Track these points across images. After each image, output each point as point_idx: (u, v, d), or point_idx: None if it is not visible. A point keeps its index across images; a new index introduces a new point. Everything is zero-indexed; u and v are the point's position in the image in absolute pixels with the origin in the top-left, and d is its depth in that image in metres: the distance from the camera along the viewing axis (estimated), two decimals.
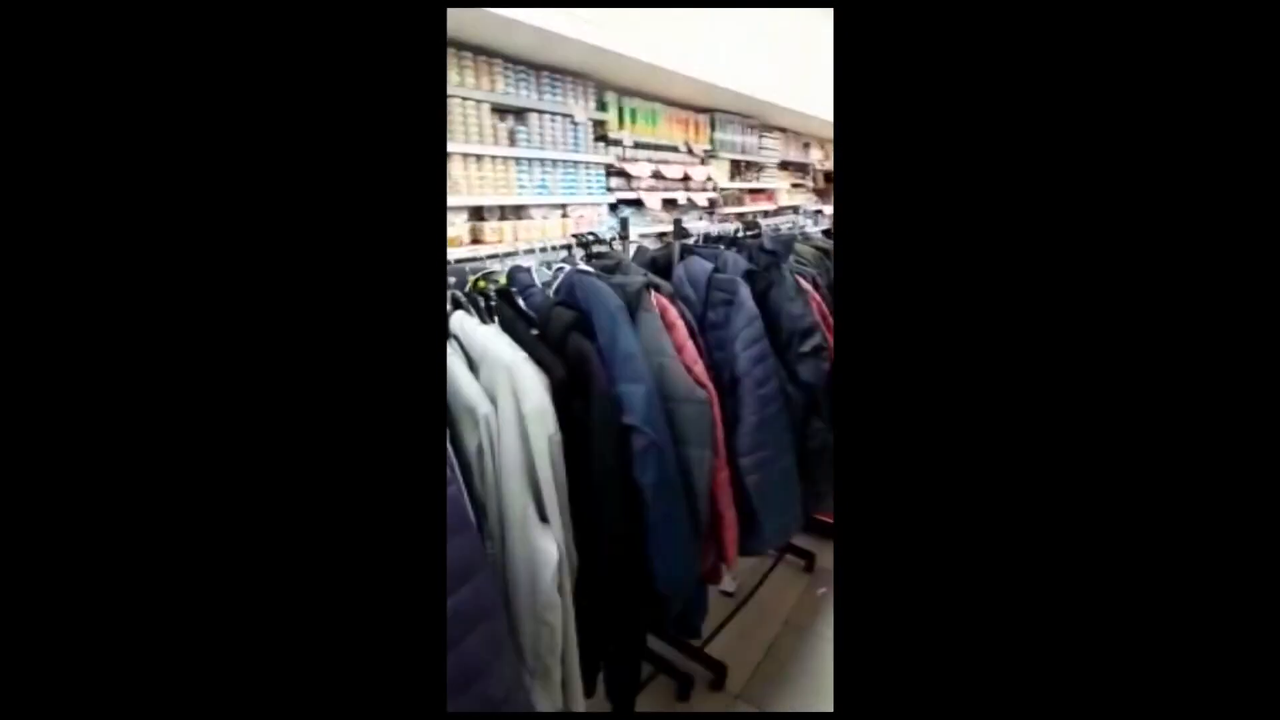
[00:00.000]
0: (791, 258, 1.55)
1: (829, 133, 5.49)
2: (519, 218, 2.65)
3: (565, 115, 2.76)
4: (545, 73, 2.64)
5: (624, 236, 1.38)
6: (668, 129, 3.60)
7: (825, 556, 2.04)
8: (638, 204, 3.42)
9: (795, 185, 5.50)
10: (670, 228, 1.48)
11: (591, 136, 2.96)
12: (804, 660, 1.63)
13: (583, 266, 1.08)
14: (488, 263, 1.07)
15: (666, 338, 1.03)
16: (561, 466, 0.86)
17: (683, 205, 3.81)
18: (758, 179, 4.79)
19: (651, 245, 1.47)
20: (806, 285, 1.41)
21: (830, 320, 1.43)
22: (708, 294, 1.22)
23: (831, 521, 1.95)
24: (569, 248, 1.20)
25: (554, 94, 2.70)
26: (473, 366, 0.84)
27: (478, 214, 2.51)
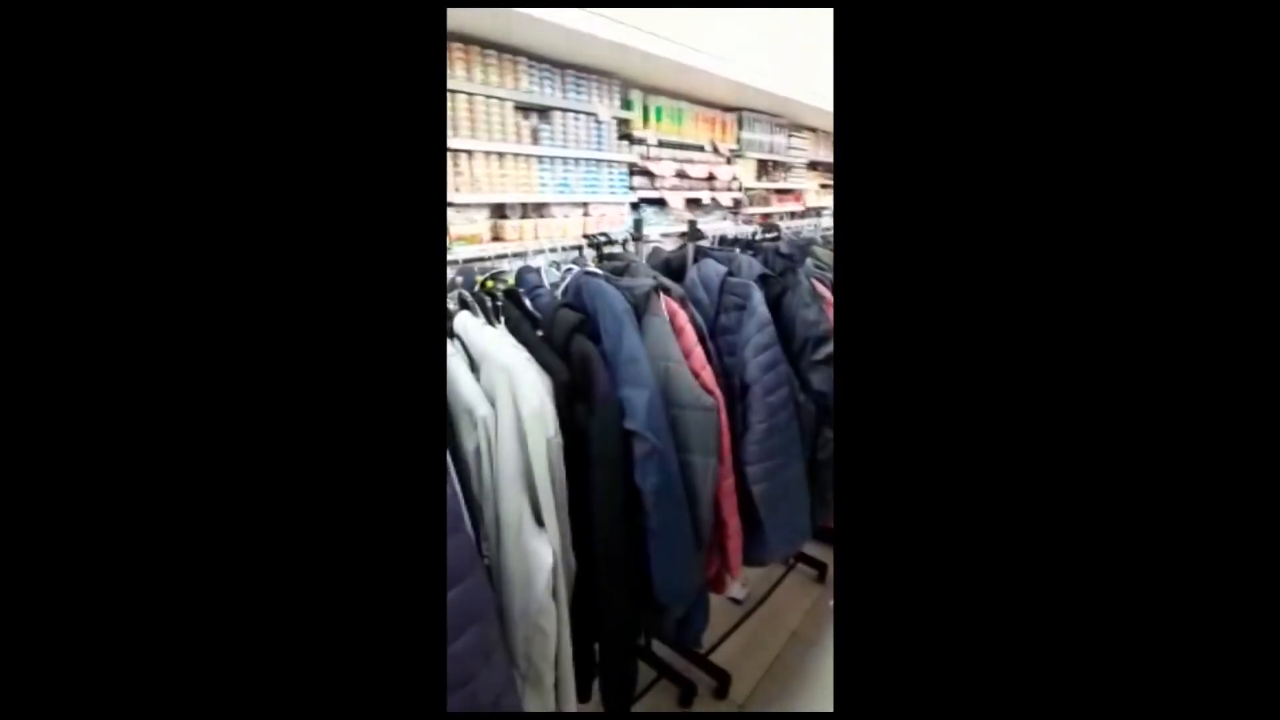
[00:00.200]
0: (810, 262, 1.52)
1: None
2: (540, 216, 2.66)
3: (589, 114, 2.76)
4: (570, 71, 2.64)
5: (637, 238, 1.37)
6: (693, 128, 3.57)
7: None
8: (661, 203, 3.40)
9: (824, 186, 5.40)
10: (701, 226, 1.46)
11: (615, 135, 2.95)
12: (810, 672, 1.60)
13: (591, 268, 1.07)
14: (496, 263, 1.07)
15: (674, 342, 1.01)
16: (561, 470, 0.86)
17: (707, 205, 3.78)
18: (785, 179, 4.71)
19: (673, 245, 1.45)
20: (824, 290, 1.38)
21: None
22: (720, 298, 1.20)
23: None
24: (580, 248, 1.19)
25: (578, 92, 2.70)
26: (474, 367, 0.84)
27: (499, 212, 2.53)
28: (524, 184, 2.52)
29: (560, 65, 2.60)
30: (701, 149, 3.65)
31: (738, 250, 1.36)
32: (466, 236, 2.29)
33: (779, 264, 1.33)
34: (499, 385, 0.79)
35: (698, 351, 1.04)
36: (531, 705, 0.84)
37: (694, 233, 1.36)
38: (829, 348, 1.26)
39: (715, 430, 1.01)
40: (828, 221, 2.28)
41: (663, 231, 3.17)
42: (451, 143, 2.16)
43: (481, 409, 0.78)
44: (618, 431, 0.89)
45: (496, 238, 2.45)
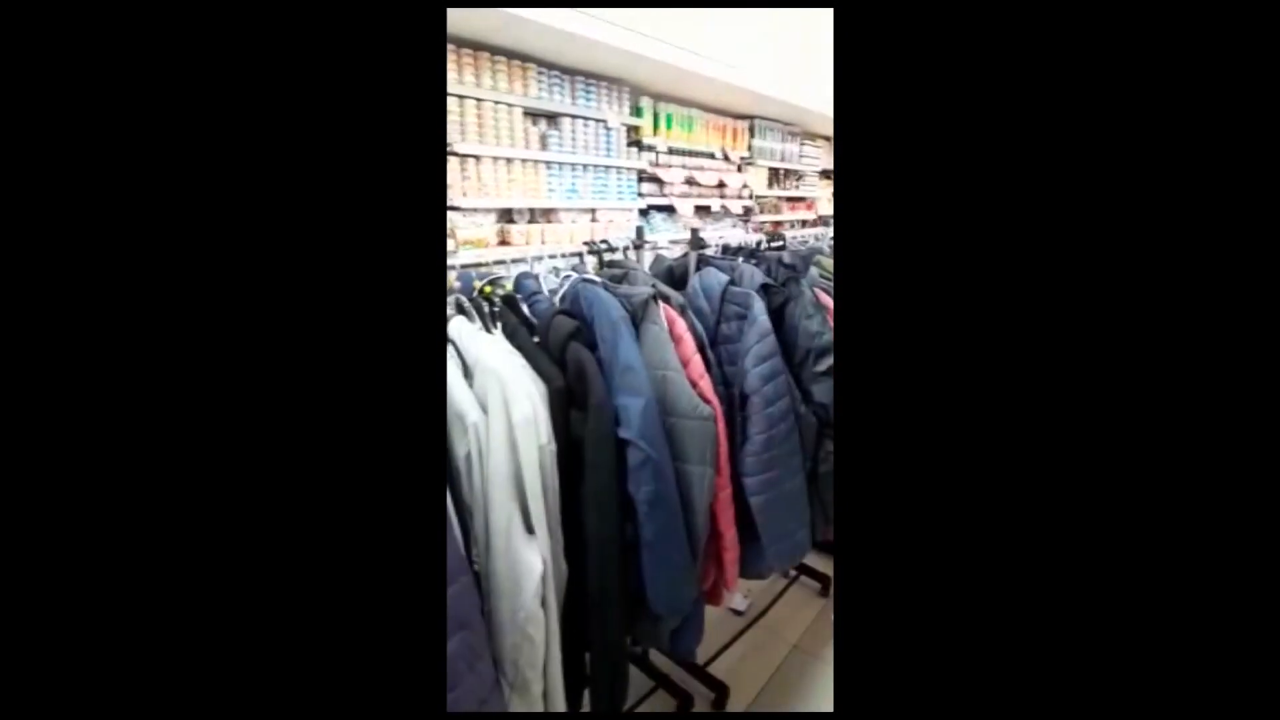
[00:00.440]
0: (816, 271, 1.51)
1: None
2: (548, 221, 2.67)
3: (598, 120, 2.77)
4: (579, 77, 2.66)
5: (639, 245, 1.37)
6: (704, 135, 3.57)
7: None
8: (670, 210, 3.41)
9: None
10: (704, 234, 1.46)
11: (624, 141, 2.96)
12: (810, 687, 1.57)
13: (589, 275, 1.07)
14: (496, 268, 1.07)
15: (672, 351, 1.01)
16: (554, 477, 0.85)
17: (716, 212, 3.78)
18: (797, 187, 4.70)
19: (678, 252, 1.45)
20: (828, 300, 1.36)
21: None
22: (721, 306, 1.19)
23: None
24: (580, 255, 1.19)
25: (587, 99, 2.71)
26: (467, 373, 0.83)
27: (507, 216, 2.54)
28: (532, 189, 2.53)
29: (570, 71, 2.62)
30: (712, 156, 3.65)
31: (740, 259, 1.36)
32: (473, 241, 2.30)
33: (782, 273, 1.32)
34: (491, 392, 0.79)
35: (696, 360, 1.04)
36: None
37: (697, 241, 1.36)
38: (831, 359, 1.25)
39: (712, 440, 1.00)
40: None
41: (671, 239, 3.17)
42: (460, 147, 2.18)
43: (473, 415, 0.78)
44: (611, 440, 0.89)
45: (503, 242, 2.47)
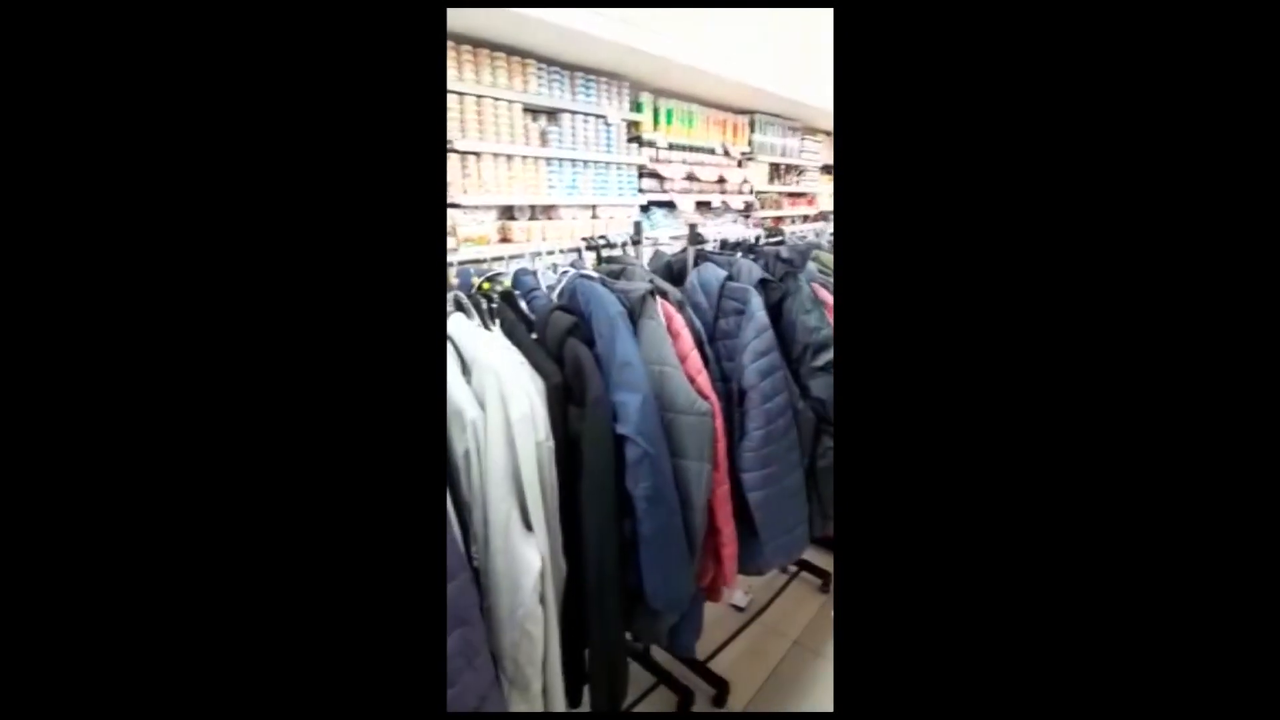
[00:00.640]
0: (814, 266, 1.50)
1: None
2: (549, 218, 2.66)
3: (598, 116, 2.76)
4: (579, 73, 2.65)
5: (637, 241, 1.36)
6: (704, 130, 3.55)
7: None
8: (670, 206, 3.40)
9: None
10: (703, 230, 1.45)
11: (625, 137, 2.95)
12: (810, 681, 1.57)
13: (587, 271, 1.06)
14: (495, 265, 1.07)
15: (669, 346, 1.01)
16: (552, 473, 0.85)
17: (717, 208, 3.77)
18: (798, 182, 4.68)
19: (678, 248, 1.45)
20: (826, 295, 1.36)
21: None
22: (719, 302, 1.19)
23: None
24: (578, 251, 1.19)
25: (587, 94, 2.71)
26: (466, 370, 0.83)
27: (508, 213, 2.54)
28: (532, 186, 2.53)
29: (570, 67, 2.61)
30: (712, 151, 3.64)
31: (739, 254, 1.35)
32: (474, 238, 2.30)
33: (780, 268, 1.32)
34: (489, 388, 0.79)
35: (694, 356, 1.03)
36: (517, 710, 0.83)
37: (695, 236, 1.36)
38: (829, 354, 1.25)
39: (710, 435, 0.99)
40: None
41: (671, 234, 3.16)
42: (460, 144, 2.18)
43: (471, 412, 0.78)
44: (609, 436, 0.89)
45: (504, 239, 2.46)
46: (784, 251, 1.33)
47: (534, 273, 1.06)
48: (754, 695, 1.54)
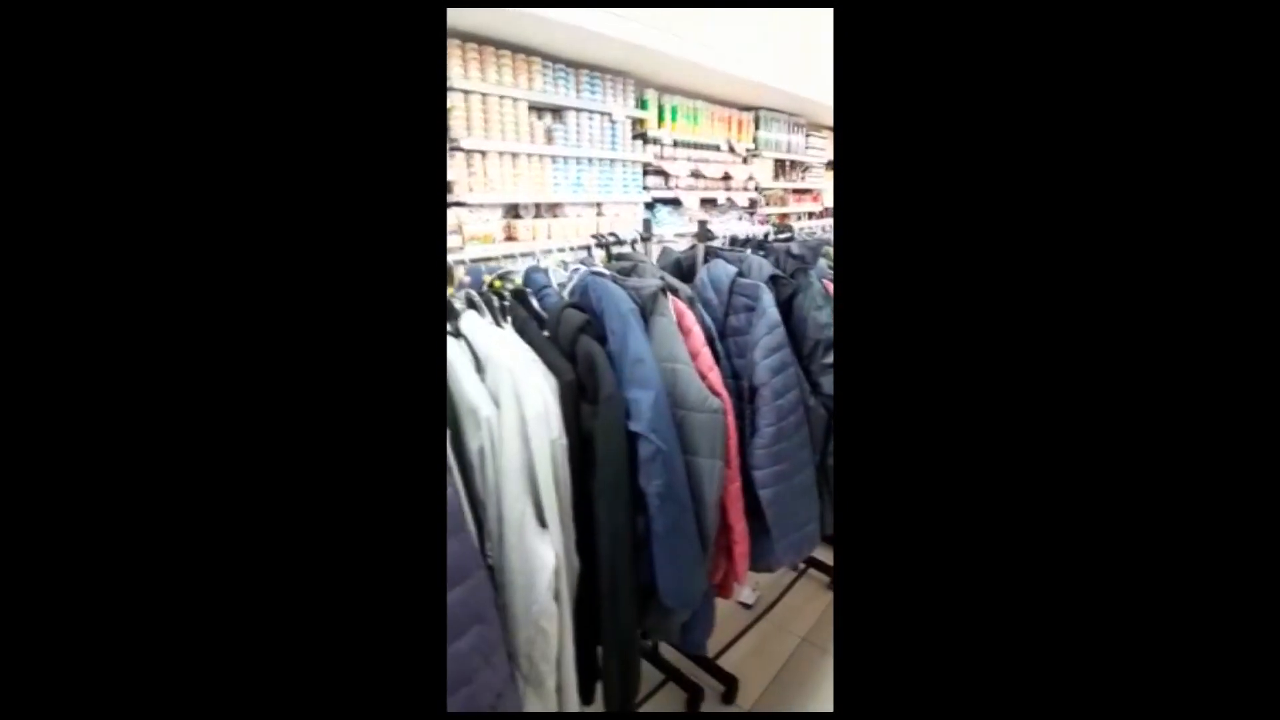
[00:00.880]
0: (825, 263, 1.50)
1: None
2: (554, 216, 2.66)
3: (603, 113, 2.76)
4: (584, 70, 2.64)
5: (646, 238, 1.36)
6: (709, 127, 3.54)
7: None
8: (675, 203, 3.39)
9: None
10: (712, 226, 1.45)
11: (630, 135, 2.94)
12: (820, 679, 1.57)
13: (598, 268, 1.06)
14: (505, 263, 1.07)
15: (681, 343, 1.00)
16: (565, 471, 0.85)
17: (722, 205, 3.76)
18: (803, 179, 4.66)
19: (685, 245, 1.44)
20: None
21: None
22: (730, 298, 1.19)
23: None
24: (588, 248, 1.19)
25: (592, 92, 2.70)
26: (479, 367, 0.83)
27: (513, 211, 2.54)
28: (537, 184, 2.52)
29: (575, 65, 2.60)
30: (717, 148, 3.63)
31: (749, 251, 1.35)
32: (480, 236, 2.30)
33: (790, 265, 1.31)
34: (503, 386, 0.79)
35: (705, 353, 1.03)
36: (532, 707, 0.83)
37: (704, 233, 1.35)
38: None
39: (722, 432, 0.99)
40: None
41: (677, 232, 3.16)
42: (465, 143, 2.17)
43: (485, 409, 0.78)
44: (622, 433, 0.89)
45: (510, 237, 2.46)
46: (795, 248, 1.33)
47: (545, 270, 1.06)
48: (762, 693, 1.54)
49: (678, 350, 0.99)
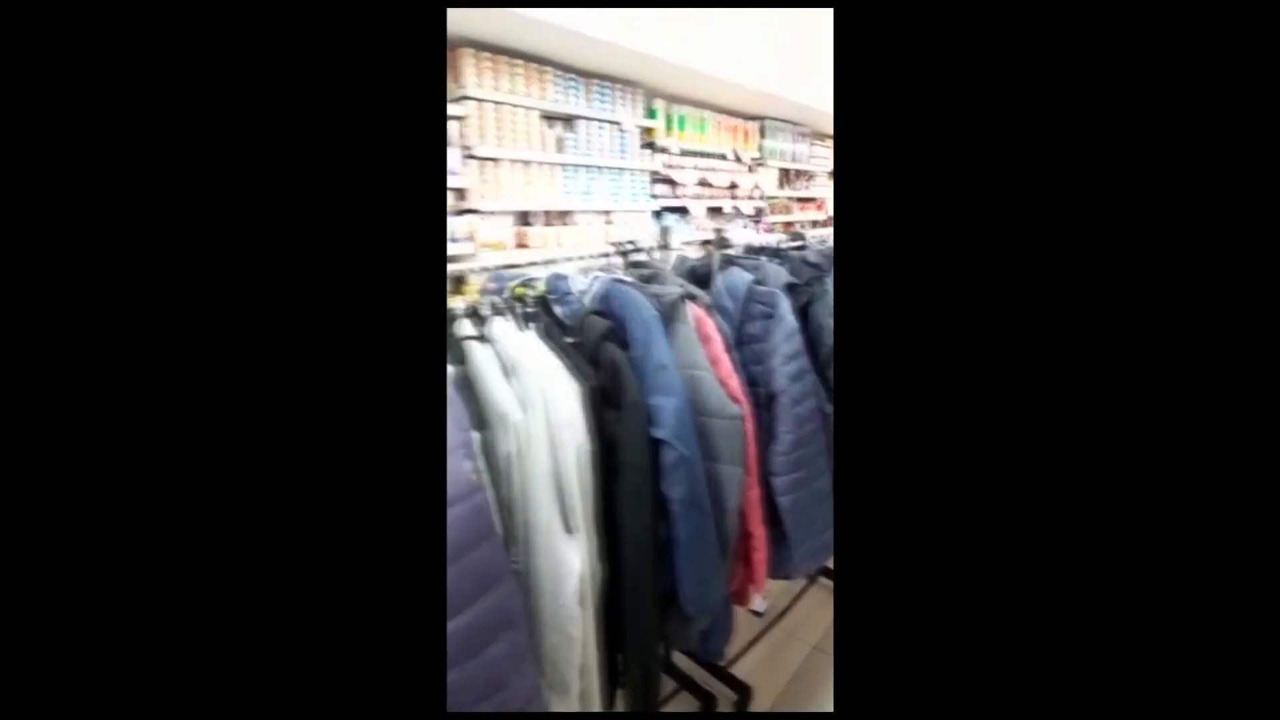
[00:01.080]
0: None
1: None
2: (564, 223, 2.68)
3: (613, 123, 2.78)
4: (595, 80, 2.67)
5: (664, 246, 1.37)
6: (716, 136, 3.57)
7: None
8: (682, 211, 3.41)
9: None
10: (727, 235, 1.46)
11: (639, 143, 2.97)
12: (830, 687, 1.57)
13: (619, 275, 1.07)
14: (528, 270, 1.08)
15: (702, 351, 1.01)
16: (590, 477, 0.86)
17: (728, 213, 3.78)
18: (808, 187, 4.69)
19: (696, 253, 1.45)
20: None
21: None
22: (746, 306, 1.19)
23: None
24: (608, 256, 1.20)
25: (603, 101, 2.73)
26: (507, 373, 0.84)
27: (523, 219, 2.56)
28: (549, 191, 2.54)
29: (586, 74, 2.63)
30: (723, 157, 3.66)
31: (764, 259, 1.36)
32: (492, 243, 2.32)
33: (806, 273, 1.32)
34: (532, 391, 0.79)
35: (725, 360, 1.04)
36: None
37: (720, 241, 1.36)
38: None
39: (742, 439, 1.00)
40: None
41: (684, 240, 3.17)
42: (478, 151, 2.19)
43: (515, 414, 0.79)
44: (646, 439, 0.89)
45: (521, 245, 2.48)
46: (811, 255, 1.34)
47: (567, 277, 1.06)
48: (775, 699, 1.53)
49: (698, 357, 1.00)
